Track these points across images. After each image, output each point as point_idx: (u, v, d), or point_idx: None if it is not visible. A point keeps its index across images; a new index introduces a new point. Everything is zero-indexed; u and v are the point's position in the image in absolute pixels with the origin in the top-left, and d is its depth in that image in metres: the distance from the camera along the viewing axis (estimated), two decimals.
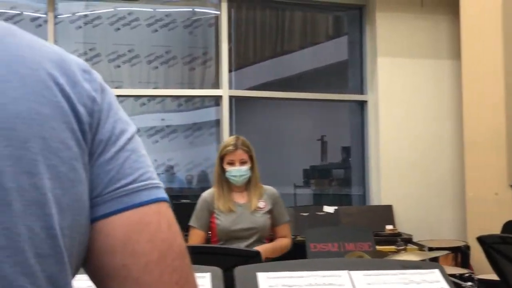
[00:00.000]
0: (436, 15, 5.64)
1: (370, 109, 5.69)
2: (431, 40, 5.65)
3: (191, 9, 6.73)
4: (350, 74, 6.11)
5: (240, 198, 3.35)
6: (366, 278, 1.90)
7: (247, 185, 3.36)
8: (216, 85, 5.82)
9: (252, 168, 3.33)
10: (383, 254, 3.82)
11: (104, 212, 0.74)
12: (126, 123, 0.79)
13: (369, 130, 5.69)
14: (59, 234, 0.69)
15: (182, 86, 6.90)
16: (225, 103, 5.45)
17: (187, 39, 7.01)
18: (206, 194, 3.38)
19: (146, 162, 0.78)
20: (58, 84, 0.72)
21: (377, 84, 5.59)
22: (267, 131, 7.73)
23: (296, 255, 3.35)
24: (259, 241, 3.27)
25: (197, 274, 1.86)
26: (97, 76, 0.78)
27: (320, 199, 6.83)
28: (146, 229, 0.74)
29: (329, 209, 5.19)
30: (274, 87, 7.39)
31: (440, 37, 5.66)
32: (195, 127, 8.33)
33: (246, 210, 3.30)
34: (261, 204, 3.33)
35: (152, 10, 6.64)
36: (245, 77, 7.06)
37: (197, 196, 3.46)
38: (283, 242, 3.38)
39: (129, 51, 6.64)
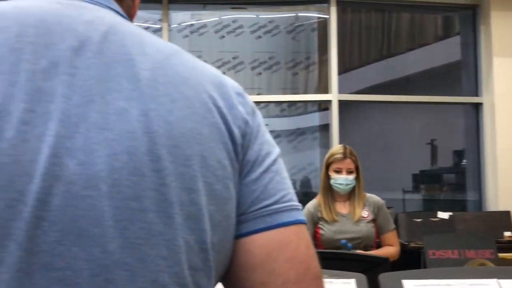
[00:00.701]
0: None
1: (485, 111, 5.49)
2: None
3: (294, 14, 6.76)
4: (463, 75, 5.93)
5: (342, 208, 3.38)
6: None
7: (351, 194, 3.38)
8: (319, 89, 5.77)
9: (357, 178, 3.35)
10: (508, 262, 3.68)
11: (247, 230, 0.76)
12: (271, 146, 0.81)
13: (485, 133, 5.49)
14: (210, 248, 0.71)
15: (285, 92, 6.92)
16: (335, 107, 5.39)
17: (290, 44, 7.04)
18: (310, 205, 3.43)
19: (287, 184, 0.81)
20: (217, 107, 0.75)
21: (492, 85, 5.39)
22: (373, 135, 7.61)
23: (410, 262, 3.28)
24: (365, 250, 3.26)
25: (342, 280, 1.87)
26: (249, 99, 0.81)
27: (430, 205, 6.64)
28: (285, 249, 0.76)
29: (443, 215, 5.05)
30: (380, 90, 7.27)
31: None
32: (299, 132, 8.33)
33: (349, 220, 3.32)
34: (364, 213, 3.34)
35: (255, 16, 6.72)
36: (350, 80, 6.99)
37: (299, 201, 3.48)
38: (389, 250, 3.33)
39: (234, 58, 6.74)
